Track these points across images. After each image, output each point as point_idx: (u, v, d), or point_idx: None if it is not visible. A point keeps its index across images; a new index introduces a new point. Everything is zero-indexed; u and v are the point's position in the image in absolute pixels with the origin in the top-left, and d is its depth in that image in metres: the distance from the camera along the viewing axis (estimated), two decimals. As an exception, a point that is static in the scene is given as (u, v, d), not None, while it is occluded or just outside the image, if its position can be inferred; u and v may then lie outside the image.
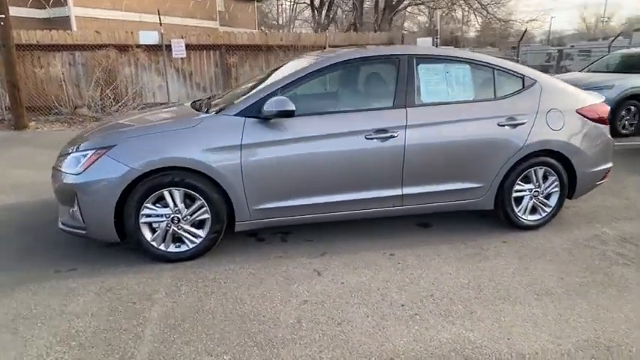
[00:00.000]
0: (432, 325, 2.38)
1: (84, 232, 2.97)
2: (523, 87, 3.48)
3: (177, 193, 2.95)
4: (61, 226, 3.09)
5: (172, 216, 2.98)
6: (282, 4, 27.68)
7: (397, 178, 3.23)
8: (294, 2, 25.23)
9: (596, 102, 3.66)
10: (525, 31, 11.71)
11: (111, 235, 2.96)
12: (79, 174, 2.86)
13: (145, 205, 2.91)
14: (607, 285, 2.76)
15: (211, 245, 3.11)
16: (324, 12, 21.19)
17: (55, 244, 3.35)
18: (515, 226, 3.56)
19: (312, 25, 20.74)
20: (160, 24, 9.12)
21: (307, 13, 25.27)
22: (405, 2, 14.39)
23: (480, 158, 3.33)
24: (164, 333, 2.31)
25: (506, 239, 3.43)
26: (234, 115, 3.02)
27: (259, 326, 2.36)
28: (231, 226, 3.12)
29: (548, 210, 3.59)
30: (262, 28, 26.37)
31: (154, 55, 9.63)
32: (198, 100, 3.95)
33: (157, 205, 2.96)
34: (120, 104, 9.08)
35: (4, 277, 2.86)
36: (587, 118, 3.52)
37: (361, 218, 3.36)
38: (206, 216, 3.02)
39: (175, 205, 2.97)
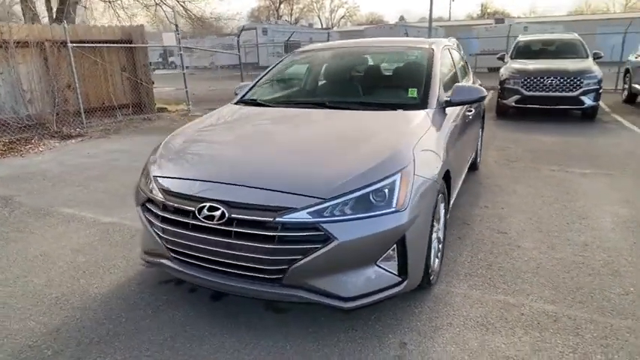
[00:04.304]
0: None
1: (398, 289, 2.17)
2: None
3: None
4: (351, 304, 2.05)
5: (436, 228, 2.62)
6: None
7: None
8: None
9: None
10: (243, 28, 12.73)
11: (419, 277, 2.31)
12: (402, 210, 2.05)
13: (433, 223, 2.44)
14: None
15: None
16: None
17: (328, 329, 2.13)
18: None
19: None
20: None
21: None
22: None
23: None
24: None
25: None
26: (434, 108, 2.88)
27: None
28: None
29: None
30: None
31: None
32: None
33: (429, 221, 2.52)
34: None
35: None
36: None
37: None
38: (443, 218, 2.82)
39: (439, 214, 2.62)
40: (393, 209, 2.05)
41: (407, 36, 21.66)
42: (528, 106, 8.38)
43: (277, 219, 1.99)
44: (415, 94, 3.00)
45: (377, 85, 3.47)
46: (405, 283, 2.17)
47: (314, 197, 2.02)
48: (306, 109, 3.03)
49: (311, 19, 63.53)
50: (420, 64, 3.28)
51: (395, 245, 2.09)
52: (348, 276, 2.07)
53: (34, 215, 4.00)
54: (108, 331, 2.30)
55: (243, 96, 3.50)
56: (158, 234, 2.30)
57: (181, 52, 9.95)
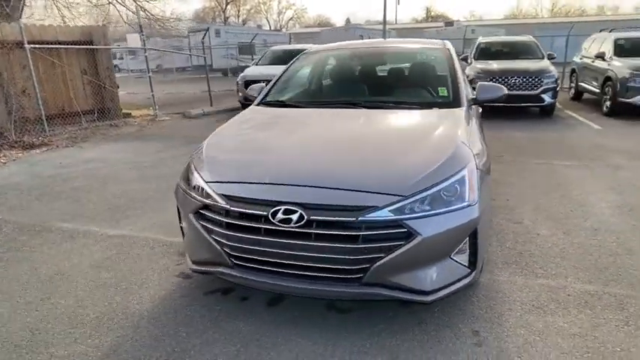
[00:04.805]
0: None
1: (468, 279, 2.23)
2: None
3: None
4: (432, 297, 2.10)
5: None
6: None
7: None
8: None
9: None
10: (207, 29, 12.28)
11: (481, 268, 2.39)
12: (473, 204, 2.12)
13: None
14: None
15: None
16: None
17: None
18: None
19: None
20: None
21: None
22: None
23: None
24: None
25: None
26: (466, 106, 3.00)
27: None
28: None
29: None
30: None
31: None
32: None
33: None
34: None
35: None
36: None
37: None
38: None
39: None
40: (467, 203, 2.12)
41: (362, 38, 22.16)
42: (495, 104, 8.84)
43: (360, 218, 1.99)
44: (446, 93, 3.11)
45: (405, 84, 3.54)
46: (474, 273, 2.25)
47: (394, 195, 2.04)
48: (345, 109, 3.04)
49: (259, 21, 62.82)
50: (441, 64, 3.40)
51: (467, 238, 2.16)
52: (426, 270, 2.11)
53: (28, 232, 3.68)
54: (173, 347, 2.18)
55: (264, 97, 3.44)
56: (219, 241, 2.22)
57: (146, 53, 9.51)
